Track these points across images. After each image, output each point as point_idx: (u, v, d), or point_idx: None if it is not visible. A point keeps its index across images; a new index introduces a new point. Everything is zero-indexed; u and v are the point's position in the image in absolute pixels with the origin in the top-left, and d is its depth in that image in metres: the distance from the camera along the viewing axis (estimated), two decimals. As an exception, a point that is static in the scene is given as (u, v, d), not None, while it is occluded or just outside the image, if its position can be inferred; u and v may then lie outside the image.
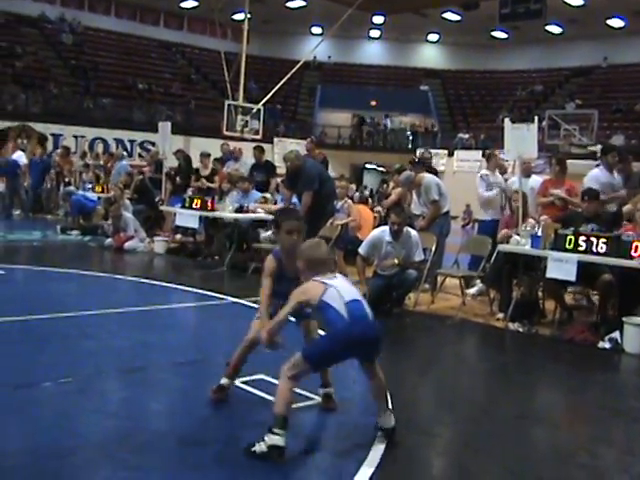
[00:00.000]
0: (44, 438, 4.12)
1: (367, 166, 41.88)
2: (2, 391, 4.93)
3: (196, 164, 16.59)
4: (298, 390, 4.40)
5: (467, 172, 29.63)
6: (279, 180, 13.41)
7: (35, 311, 7.44)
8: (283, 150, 25.84)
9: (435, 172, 11.76)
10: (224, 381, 5.03)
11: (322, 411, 4.90)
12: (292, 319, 4.60)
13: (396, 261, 8.68)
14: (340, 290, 4.25)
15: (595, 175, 9.89)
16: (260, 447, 4.00)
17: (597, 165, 10.42)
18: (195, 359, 6.26)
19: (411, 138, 39.73)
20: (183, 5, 39.83)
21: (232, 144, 17.51)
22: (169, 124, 16.51)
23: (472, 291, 10.23)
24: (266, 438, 3.99)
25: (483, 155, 15.72)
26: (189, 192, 14.98)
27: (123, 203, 14.35)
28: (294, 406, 4.28)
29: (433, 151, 23.20)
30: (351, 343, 4.17)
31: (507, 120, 9.83)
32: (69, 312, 7.56)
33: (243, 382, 5.25)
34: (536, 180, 10.55)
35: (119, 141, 30.64)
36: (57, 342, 6.44)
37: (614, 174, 9.95)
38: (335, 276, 4.40)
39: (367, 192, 31.00)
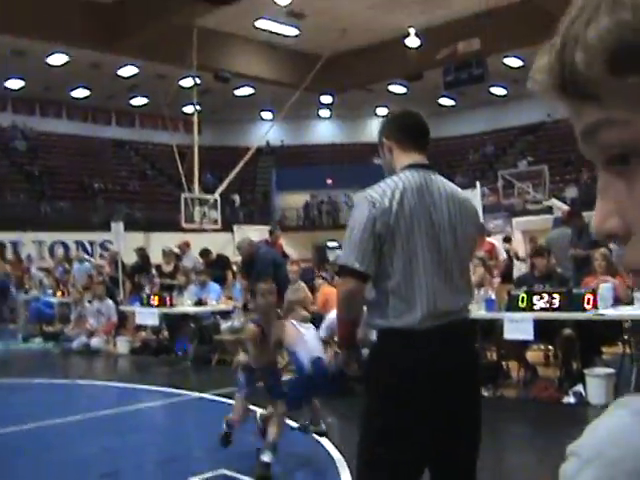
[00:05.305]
0: None
1: (329, 244, 41.78)
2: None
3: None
4: None
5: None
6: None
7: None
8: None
9: None
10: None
11: None
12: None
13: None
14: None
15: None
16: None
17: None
18: (161, 459, 6.18)
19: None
20: (133, 102, 40.24)
21: (188, 237, 17.41)
22: (121, 223, 16.69)
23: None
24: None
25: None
26: (146, 290, 14.78)
27: (83, 305, 14.28)
28: None
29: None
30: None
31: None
32: (30, 424, 7.41)
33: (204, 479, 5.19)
34: None
35: (79, 243, 30.45)
36: (20, 457, 6.32)
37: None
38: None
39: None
